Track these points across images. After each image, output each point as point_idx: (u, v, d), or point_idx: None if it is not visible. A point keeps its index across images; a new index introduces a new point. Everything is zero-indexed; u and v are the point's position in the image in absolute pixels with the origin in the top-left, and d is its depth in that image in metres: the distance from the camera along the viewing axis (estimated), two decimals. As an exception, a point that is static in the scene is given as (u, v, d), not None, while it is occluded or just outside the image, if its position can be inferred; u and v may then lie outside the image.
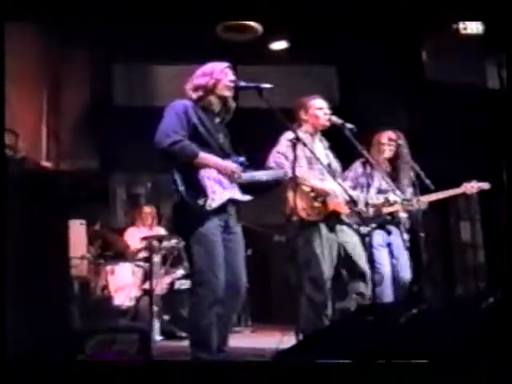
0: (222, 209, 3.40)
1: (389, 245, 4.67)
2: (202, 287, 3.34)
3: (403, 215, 4.70)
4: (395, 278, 4.57)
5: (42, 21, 5.25)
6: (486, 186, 4.76)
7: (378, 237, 4.52)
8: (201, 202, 3.32)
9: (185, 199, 3.31)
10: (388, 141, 4.76)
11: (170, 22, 5.68)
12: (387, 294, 4.45)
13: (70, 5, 5.09)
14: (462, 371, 2.49)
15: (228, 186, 3.45)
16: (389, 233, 4.70)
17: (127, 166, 6.60)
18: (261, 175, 3.58)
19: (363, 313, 3.21)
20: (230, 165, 3.46)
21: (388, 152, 4.76)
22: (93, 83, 6.17)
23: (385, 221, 4.65)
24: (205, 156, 3.40)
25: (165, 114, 3.46)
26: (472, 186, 4.69)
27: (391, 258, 4.63)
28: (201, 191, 3.34)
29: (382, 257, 4.51)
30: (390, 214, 4.67)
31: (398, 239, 4.70)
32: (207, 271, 3.33)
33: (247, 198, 3.52)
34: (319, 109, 4.26)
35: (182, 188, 3.30)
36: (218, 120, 3.57)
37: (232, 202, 3.47)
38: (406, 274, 4.63)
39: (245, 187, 3.52)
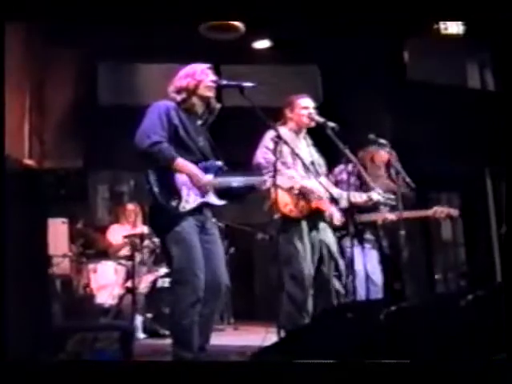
0: (197, 211, 3.41)
1: (362, 243, 4.74)
2: (182, 286, 3.35)
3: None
4: (368, 277, 4.66)
5: (41, 21, 5.23)
6: (455, 212, 4.82)
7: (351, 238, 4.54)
8: (174, 203, 3.33)
9: (158, 200, 3.32)
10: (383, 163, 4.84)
11: (155, 21, 5.67)
12: (360, 293, 4.51)
13: (55, 3, 5.07)
14: (442, 369, 2.53)
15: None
16: (360, 232, 4.77)
17: (111, 165, 6.58)
18: (238, 181, 3.57)
19: (343, 310, 3.24)
20: (202, 178, 3.43)
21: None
22: (77, 82, 6.13)
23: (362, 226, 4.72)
24: (181, 163, 3.39)
25: (146, 115, 3.46)
26: (442, 211, 4.74)
27: (364, 257, 4.72)
28: (175, 193, 3.35)
29: (356, 256, 4.54)
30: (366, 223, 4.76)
31: (372, 239, 4.80)
32: (187, 270, 3.33)
33: (222, 202, 3.52)
34: (304, 108, 4.28)
35: (156, 189, 3.31)
36: (200, 122, 3.57)
37: (207, 205, 3.48)
38: (378, 273, 4.76)
39: (221, 191, 3.52)
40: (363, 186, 4.70)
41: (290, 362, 2.75)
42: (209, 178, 3.46)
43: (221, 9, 5.43)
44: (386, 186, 4.71)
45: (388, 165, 4.83)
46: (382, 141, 4.55)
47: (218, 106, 3.63)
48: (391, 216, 4.63)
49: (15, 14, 3.95)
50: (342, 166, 4.74)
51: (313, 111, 4.28)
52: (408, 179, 4.48)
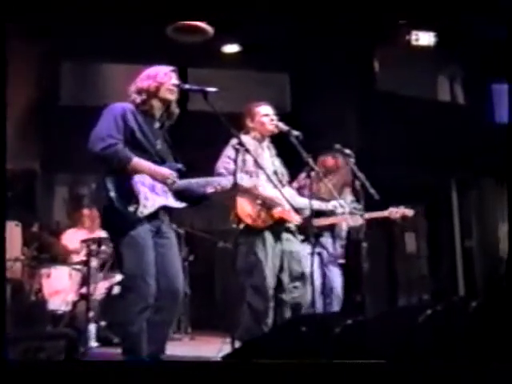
0: (154, 215, 3.33)
1: (319, 254, 4.69)
2: (130, 292, 3.28)
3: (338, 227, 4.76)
4: (327, 288, 4.61)
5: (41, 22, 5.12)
6: (410, 212, 4.76)
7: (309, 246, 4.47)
8: (132, 208, 3.25)
9: (115, 205, 3.22)
10: (331, 166, 4.80)
11: (122, 21, 5.58)
12: (319, 304, 4.45)
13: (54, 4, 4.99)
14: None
15: (161, 193, 3.38)
16: (321, 244, 4.71)
17: (71, 166, 6.43)
18: (197, 182, 3.50)
19: (299, 323, 3.17)
20: (163, 170, 3.38)
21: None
22: (39, 80, 6.02)
23: (319, 231, 4.65)
24: (138, 161, 3.31)
25: (101, 117, 3.36)
26: (397, 212, 4.70)
27: (322, 268, 4.67)
28: (132, 197, 3.26)
29: (314, 267, 4.47)
30: (324, 227, 4.70)
31: (331, 249, 4.74)
32: (136, 276, 3.25)
33: (181, 205, 3.44)
34: (265, 115, 4.22)
35: (112, 194, 3.22)
36: (157, 125, 3.49)
37: (165, 208, 3.40)
38: (337, 284, 4.72)
39: (180, 194, 3.44)
40: (325, 195, 4.66)
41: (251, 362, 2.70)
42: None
43: (189, 9, 5.40)
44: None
45: (336, 170, 4.79)
46: (347, 151, 4.51)
47: (177, 110, 3.55)
48: (349, 220, 4.58)
49: (15, 15, 3.85)
50: (305, 173, 4.70)
51: (275, 118, 4.20)
52: (372, 190, 4.43)
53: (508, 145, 4.31)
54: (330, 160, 4.80)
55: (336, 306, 4.67)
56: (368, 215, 4.47)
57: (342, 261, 4.84)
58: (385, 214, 4.71)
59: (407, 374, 2.49)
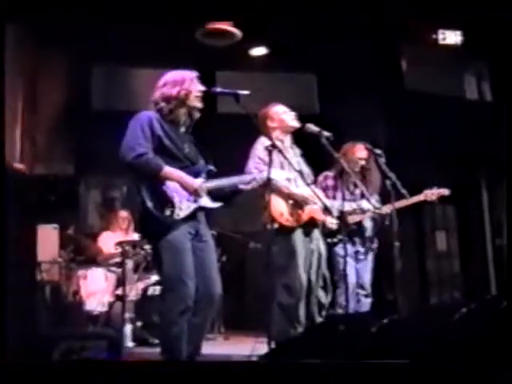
0: (191, 217, 3.38)
1: (354, 254, 4.72)
2: (171, 295, 3.33)
3: (369, 224, 4.77)
4: (360, 288, 4.65)
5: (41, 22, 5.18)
6: (446, 192, 4.76)
7: (344, 246, 4.47)
8: (168, 212, 3.31)
9: (151, 210, 3.29)
10: (365, 155, 4.80)
11: (151, 24, 5.63)
12: (352, 304, 4.48)
13: (50, 4, 5.03)
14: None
15: None
16: (353, 242, 4.73)
17: (103, 170, 6.51)
18: (229, 181, 3.54)
19: (335, 322, 3.20)
20: (193, 182, 3.41)
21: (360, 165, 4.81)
22: (72, 85, 6.09)
23: (351, 230, 4.67)
24: (169, 170, 3.37)
25: (129, 127, 3.42)
26: (432, 193, 4.70)
27: (356, 267, 4.70)
28: (167, 201, 3.32)
29: (348, 266, 4.49)
30: (356, 223, 4.73)
31: (362, 249, 4.78)
32: (176, 279, 3.31)
33: (216, 204, 3.49)
34: (284, 113, 4.27)
35: (148, 200, 3.29)
36: (182, 129, 3.54)
37: (201, 209, 3.45)
38: (368, 283, 4.75)
39: (214, 194, 3.49)
40: (353, 194, 4.69)
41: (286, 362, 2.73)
42: (199, 181, 3.44)
43: (217, 11, 5.44)
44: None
45: (367, 160, 4.79)
46: (378, 150, 4.53)
47: (198, 115, 3.57)
48: (384, 207, 4.59)
49: (15, 15, 3.92)
50: (325, 173, 4.73)
51: (293, 113, 4.25)
52: (403, 190, 4.44)
53: (508, 145, 4.28)
54: (361, 149, 4.78)
55: (367, 306, 4.69)
56: (403, 202, 4.48)
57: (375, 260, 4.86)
58: (421, 197, 4.71)
59: (441, 373, 2.51)
